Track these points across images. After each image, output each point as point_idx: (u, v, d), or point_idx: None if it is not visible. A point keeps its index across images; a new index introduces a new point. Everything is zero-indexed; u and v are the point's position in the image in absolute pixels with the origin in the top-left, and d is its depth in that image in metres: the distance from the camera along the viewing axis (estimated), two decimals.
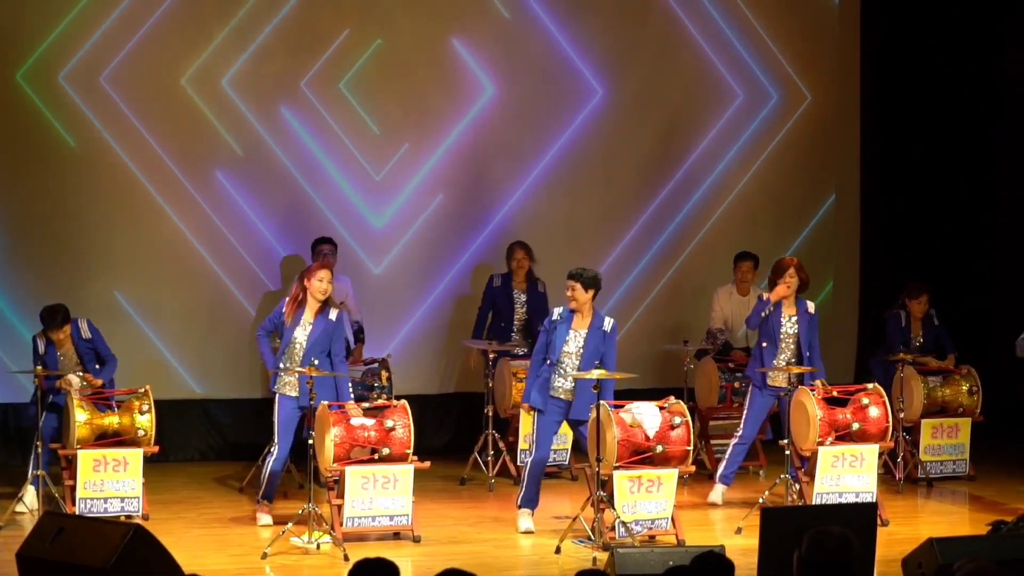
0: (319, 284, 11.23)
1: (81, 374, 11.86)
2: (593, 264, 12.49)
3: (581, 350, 11.06)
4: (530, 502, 11.27)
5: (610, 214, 14.81)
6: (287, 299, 11.34)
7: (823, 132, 15.31)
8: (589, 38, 14.68)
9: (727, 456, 12.28)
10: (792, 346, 12.00)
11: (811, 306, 12.15)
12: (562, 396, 11.09)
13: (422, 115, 14.35)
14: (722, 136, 15.06)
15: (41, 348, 11.95)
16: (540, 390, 11.12)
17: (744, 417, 12.22)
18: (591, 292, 11.14)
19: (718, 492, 12.24)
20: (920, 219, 15.59)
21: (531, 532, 11.19)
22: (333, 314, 11.31)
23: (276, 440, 11.35)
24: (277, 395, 11.35)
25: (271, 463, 11.37)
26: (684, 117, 14.96)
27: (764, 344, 12.00)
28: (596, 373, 10.78)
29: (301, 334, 11.21)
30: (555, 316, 11.17)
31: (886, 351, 13.52)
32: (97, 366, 11.98)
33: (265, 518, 11.42)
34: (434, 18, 14.31)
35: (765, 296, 12.13)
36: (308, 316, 11.25)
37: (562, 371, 11.06)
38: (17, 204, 13.59)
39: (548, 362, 11.11)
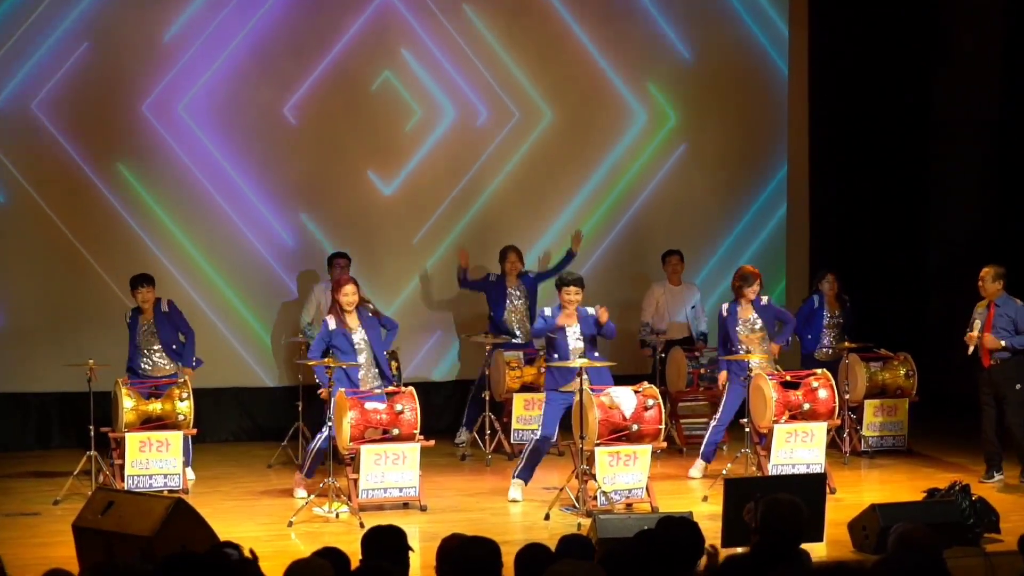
0: (344, 298, 11.20)
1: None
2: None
3: (581, 343, 11.04)
4: (524, 475, 11.23)
5: (571, 221, 14.70)
6: (327, 319, 11.19)
7: (775, 156, 15.31)
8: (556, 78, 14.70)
9: (707, 436, 12.16)
10: (757, 341, 11.91)
11: (764, 299, 12.05)
12: (570, 389, 10.94)
13: (420, 142, 14.31)
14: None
15: (128, 317, 12.08)
16: (550, 384, 11.11)
17: (723, 403, 12.01)
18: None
19: (699, 467, 12.15)
20: (861, 227, 15.57)
21: (517, 501, 11.13)
22: (368, 309, 11.37)
23: (330, 424, 10.94)
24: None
25: (320, 442, 11.09)
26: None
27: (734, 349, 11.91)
28: (580, 362, 10.77)
29: (358, 336, 11.19)
30: (557, 323, 11.04)
31: (799, 330, 13.36)
32: (181, 338, 12.07)
33: (301, 492, 11.31)
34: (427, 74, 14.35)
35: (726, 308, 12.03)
36: (354, 320, 11.23)
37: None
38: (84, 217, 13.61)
39: (556, 356, 11.03)
